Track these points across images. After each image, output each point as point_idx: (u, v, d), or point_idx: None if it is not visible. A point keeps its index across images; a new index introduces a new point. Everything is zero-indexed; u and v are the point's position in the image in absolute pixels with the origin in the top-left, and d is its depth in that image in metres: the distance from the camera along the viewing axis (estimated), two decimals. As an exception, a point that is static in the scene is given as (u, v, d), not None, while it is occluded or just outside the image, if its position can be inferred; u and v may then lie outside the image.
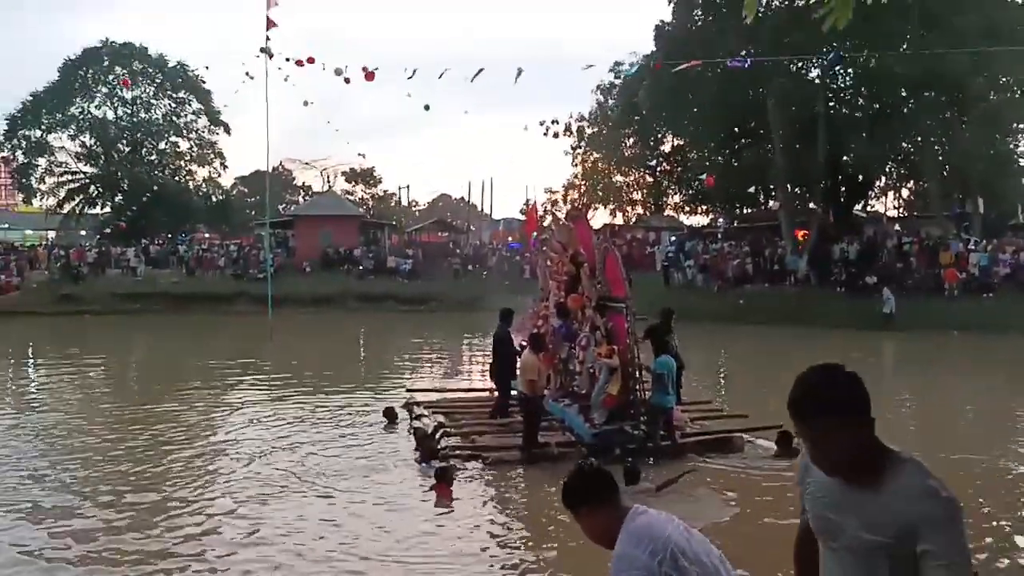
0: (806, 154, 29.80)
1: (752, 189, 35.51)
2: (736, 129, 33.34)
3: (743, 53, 25.76)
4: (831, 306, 26.13)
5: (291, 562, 5.99)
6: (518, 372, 9.27)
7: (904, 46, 27.29)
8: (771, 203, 36.41)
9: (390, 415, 10.74)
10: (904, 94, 29.12)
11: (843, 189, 34.16)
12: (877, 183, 36.59)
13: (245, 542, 6.44)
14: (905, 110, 29.13)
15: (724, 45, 26.27)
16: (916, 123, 28.44)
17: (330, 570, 5.88)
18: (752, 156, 32.25)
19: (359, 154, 65.46)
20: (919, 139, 29.88)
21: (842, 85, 32.38)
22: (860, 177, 33.71)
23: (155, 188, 44.51)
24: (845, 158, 31.08)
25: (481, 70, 20.43)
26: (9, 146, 45.44)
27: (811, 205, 33.84)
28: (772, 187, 33.75)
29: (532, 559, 6.21)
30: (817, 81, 30.94)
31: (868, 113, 31.02)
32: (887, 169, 34.07)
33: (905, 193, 41.79)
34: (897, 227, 35.71)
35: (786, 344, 21.49)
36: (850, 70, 30.96)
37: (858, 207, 37.11)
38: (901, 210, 43.70)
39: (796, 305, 26.64)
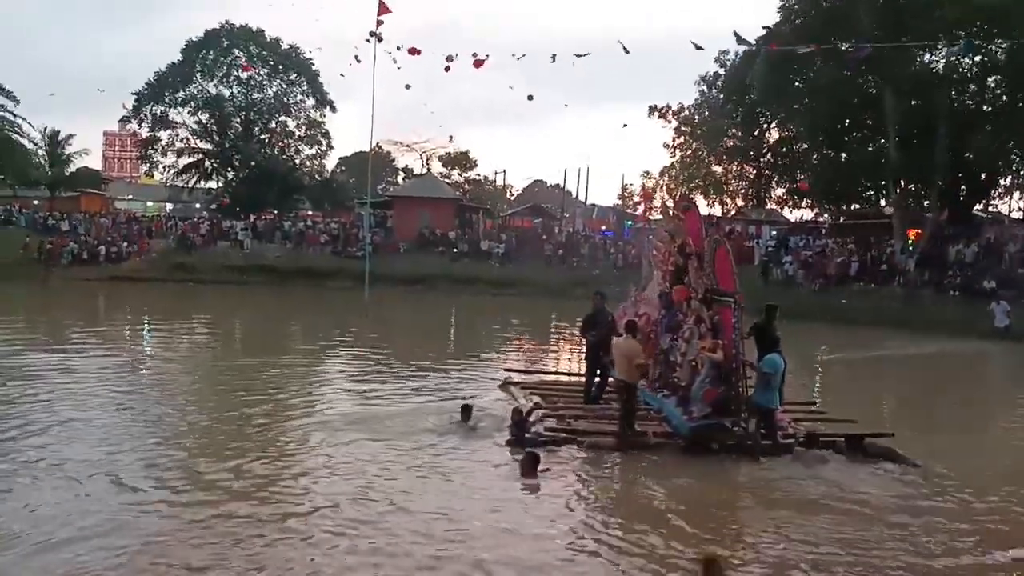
0: (923, 149, 28.23)
1: (861, 184, 33.97)
2: (848, 121, 31.92)
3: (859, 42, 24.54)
4: (942, 311, 24.78)
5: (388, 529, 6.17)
6: (616, 357, 9.18)
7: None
8: (882, 200, 34.74)
9: (466, 413, 9.57)
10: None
11: (962, 187, 32.22)
12: (1001, 182, 34.31)
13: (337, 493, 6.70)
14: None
15: (843, 32, 25.11)
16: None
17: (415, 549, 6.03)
18: (863, 150, 30.79)
19: (449, 137, 65.94)
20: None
21: (968, 75, 30.37)
22: (982, 175, 31.70)
23: (264, 165, 46.53)
24: (967, 154, 29.28)
25: (587, 53, 20.32)
26: (136, 120, 48.44)
27: (925, 203, 32.08)
28: (883, 183, 32.17)
29: (615, 543, 6.19)
30: (941, 71, 29.20)
31: (995, 106, 29.06)
32: (1013, 167, 31.90)
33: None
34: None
35: (891, 348, 20.56)
36: (977, 59, 29.09)
37: (978, 207, 34.92)
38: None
39: (903, 308, 25.40)
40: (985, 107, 29.48)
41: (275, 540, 5.84)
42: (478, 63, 20.80)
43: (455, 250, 37.49)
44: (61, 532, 5.82)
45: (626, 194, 62.08)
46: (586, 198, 63.00)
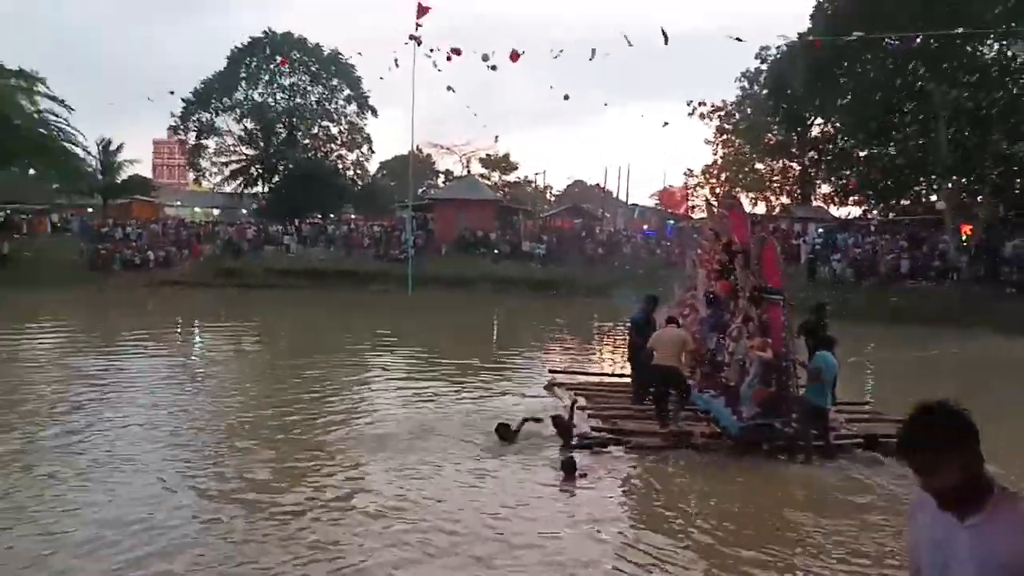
0: (975, 142, 27.40)
1: (911, 180, 33.14)
2: (895, 115, 31.14)
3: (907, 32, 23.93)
4: (999, 308, 23.97)
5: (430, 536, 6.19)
6: (662, 347, 9.17)
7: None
8: (932, 196, 33.82)
9: (504, 433, 8.77)
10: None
11: (1018, 180, 31.17)
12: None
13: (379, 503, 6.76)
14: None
15: (889, 23, 24.50)
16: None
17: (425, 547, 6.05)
18: (912, 144, 30.01)
19: (495, 137, 66.08)
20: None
21: (1021, 66, 29.39)
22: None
23: (308, 170, 47.28)
24: (1021, 147, 28.33)
25: (630, 44, 19.80)
26: (183, 128, 49.63)
27: (979, 198, 31.13)
28: (934, 178, 31.31)
29: (659, 547, 6.12)
30: (992, 62, 28.31)
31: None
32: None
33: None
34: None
35: (946, 346, 19.98)
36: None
37: (1035, 201, 33.75)
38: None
39: (958, 305, 24.65)
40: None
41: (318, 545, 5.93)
42: (514, 56, 20.63)
43: (496, 251, 37.54)
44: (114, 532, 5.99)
45: (667, 193, 61.49)
46: (627, 198, 62.63)
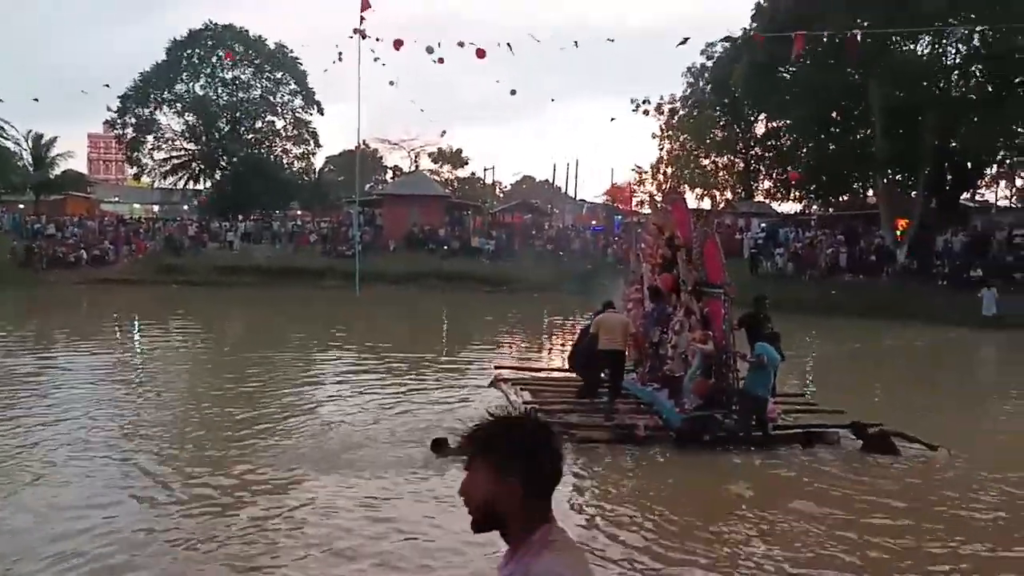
0: (909, 139, 28.29)
1: (849, 176, 34.07)
2: (834, 112, 31.98)
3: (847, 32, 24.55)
4: (931, 300, 24.85)
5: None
6: (608, 330, 9.50)
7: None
8: (870, 191, 34.87)
9: (438, 448, 8.16)
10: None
11: (949, 176, 32.35)
12: (988, 171, 34.48)
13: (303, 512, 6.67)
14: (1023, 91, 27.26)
15: (828, 21, 25.09)
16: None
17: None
18: (850, 141, 30.84)
19: (441, 132, 65.49)
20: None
21: (953, 64, 30.44)
22: (969, 164, 31.84)
23: (251, 165, 46.24)
24: (953, 143, 29.38)
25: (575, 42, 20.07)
26: (121, 122, 48.04)
27: (913, 193, 32.20)
28: (871, 174, 32.27)
29: (607, 540, 6.18)
30: (926, 59, 29.25)
31: (982, 94, 29.16)
32: (999, 156, 32.03)
33: (1019, 182, 39.26)
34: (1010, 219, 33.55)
35: (881, 338, 20.68)
36: (962, 47, 29.19)
37: (965, 196, 35.07)
38: (1013, 200, 41.09)
39: (892, 298, 25.48)
40: (970, 96, 29.56)
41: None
42: (480, 53, 20.46)
43: (445, 247, 37.39)
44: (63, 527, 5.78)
45: (616, 189, 62.07)
46: (575, 193, 63.02)
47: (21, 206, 44.16)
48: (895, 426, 9.03)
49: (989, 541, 6.24)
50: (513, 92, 29.22)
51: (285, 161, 51.00)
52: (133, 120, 47.86)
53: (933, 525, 6.57)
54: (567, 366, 11.44)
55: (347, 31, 46.03)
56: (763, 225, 36.45)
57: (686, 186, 46.08)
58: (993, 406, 12.83)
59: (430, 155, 65.20)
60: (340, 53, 25.76)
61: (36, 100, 67.45)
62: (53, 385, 11.68)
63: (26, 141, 44.99)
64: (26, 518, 6.17)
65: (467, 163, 67.03)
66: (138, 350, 17.10)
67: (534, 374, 12.76)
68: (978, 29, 25.88)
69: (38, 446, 8.22)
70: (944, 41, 28.86)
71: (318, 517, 6.35)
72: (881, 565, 5.76)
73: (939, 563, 5.81)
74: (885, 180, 31.38)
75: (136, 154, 48.81)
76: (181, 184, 49.82)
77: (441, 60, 22.81)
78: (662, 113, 46.69)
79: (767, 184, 42.85)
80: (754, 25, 31.35)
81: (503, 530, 1.75)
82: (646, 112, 38.99)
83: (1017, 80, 27.66)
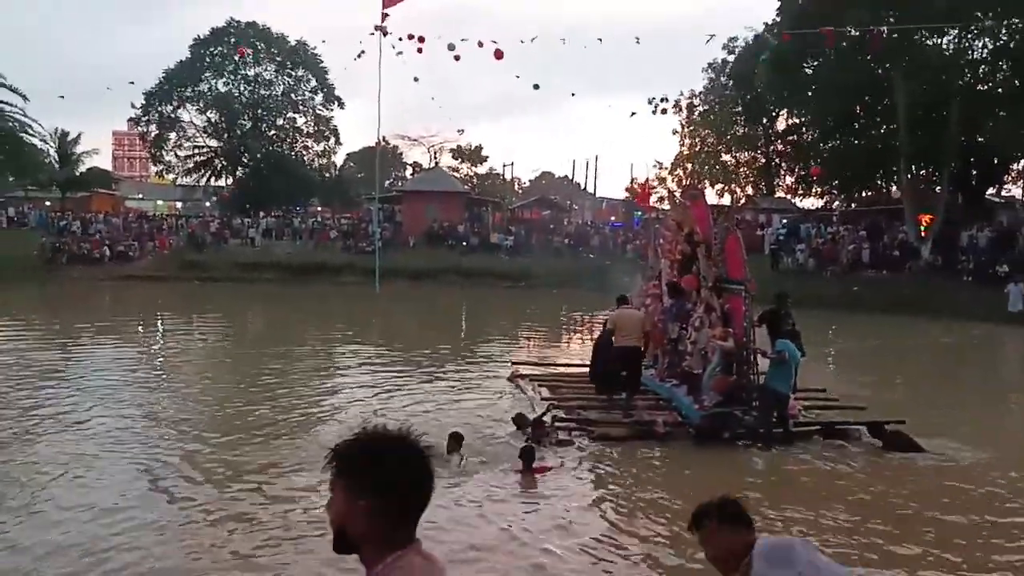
0: (934, 134, 27.91)
1: (872, 171, 33.68)
2: (857, 107, 31.62)
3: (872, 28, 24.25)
4: (956, 296, 24.53)
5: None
6: (626, 326, 9.49)
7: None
8: (892, 186, 34.43)
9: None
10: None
11: (974, 172, 31.88)
12: (1014, 166, 33.91)
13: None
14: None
15: (852, 17, 24.79)
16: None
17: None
18: (873, 136, 30.47)
19: (459, 130, 65.65)
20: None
21: (979, 58, 29.96)
22: (995, 159, 31.35)
23: (273, 162, 46.62)
24: (979, 138, 28.95)
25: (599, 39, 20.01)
26: (145, 120, 48.60)
27: (937, 189, 31.77)
28: (894, 169, 31.88)
29: (621, 539, 6.19)
30: (951, 54, 28.84)
31: (1008, 89, 28.68)
32: (1026, 151, 31.47)
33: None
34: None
35: (904, 335, 20.43)
36: (989, 42, 28.73)
37: (991, 191, 34.54)
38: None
39: (916, 294, 25.17)
40: (997, 90, 29.10)
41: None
42: (498, 54, 20.49)
43: (464, 243, 37.46)
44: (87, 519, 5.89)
45: (634, 186, 61.86)
46: (595, 189, 62.86)
47: (48, 203, 44.82)
48: (917, 423, 8.93)
49: (1019, 540, 6.16)
50: (536, 87, 29.41)
51: (306, 158, 51.41)
52: (157, 117, 48.39)
53: (956, 520, 6.51)
54: (589, 362, 11.37)
55: (367, 27, 46.14)
56: (784, 221, 36.12)
57: (707, 182, 45.81)
58: (1019, 403, 12.66)
59: (452, 151, 65.36)
60: (362, 51, 25.82)
61: (62, 97, 68.53)
62: (77, 378, 11.88)
63: (52, 138, 45.61)
64: (54, 514, 6.27)
65: (486, 159, 67.13)
66: (161, 345, 17.34)
67: (551, 369, 12.77)
68: (1004, 23, 25.41)
69: (65, 439, 8.37)
70: (969, 36, 28.44)
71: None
72: (906, 562, 5.72)
73: (967, 560, 5.75)
74: (909, 175, 30.98)
75: (160, 151, 49.37)
76: (203, 181, 50.34)
77: (458, 57, 22.86)
78: (681, 109, 46.41)
79: (788, 180, 42.50)
80: (777, 19, 31.07)
81: (357, 553, 1.65)
82: (664, 112, 38.82)
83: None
